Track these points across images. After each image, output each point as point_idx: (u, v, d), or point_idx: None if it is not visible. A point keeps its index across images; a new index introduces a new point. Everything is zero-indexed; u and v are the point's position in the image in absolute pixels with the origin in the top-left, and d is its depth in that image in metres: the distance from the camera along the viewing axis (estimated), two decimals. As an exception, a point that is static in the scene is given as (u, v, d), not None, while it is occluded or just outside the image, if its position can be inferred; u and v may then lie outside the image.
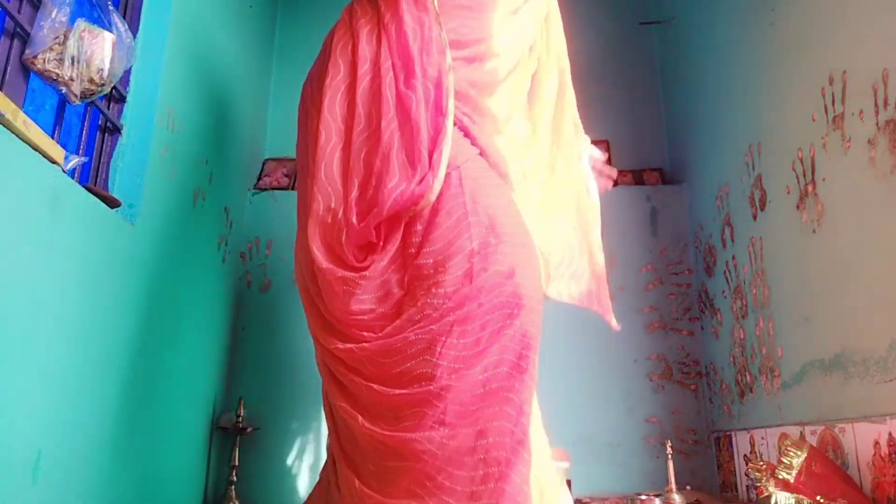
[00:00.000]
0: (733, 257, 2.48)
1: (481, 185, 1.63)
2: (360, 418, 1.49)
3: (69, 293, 1.55)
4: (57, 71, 1.58)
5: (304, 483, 2.69)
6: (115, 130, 1.92)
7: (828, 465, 1.63)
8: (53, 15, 1.56)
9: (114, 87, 1.85)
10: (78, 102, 1.66)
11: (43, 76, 1.57)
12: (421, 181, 1.55)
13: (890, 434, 1.55)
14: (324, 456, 2.35)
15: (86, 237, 1.62)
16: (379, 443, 1.46)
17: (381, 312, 1.53)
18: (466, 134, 1.69)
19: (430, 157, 1.57)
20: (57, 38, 1.57)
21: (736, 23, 2.44)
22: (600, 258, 2.08)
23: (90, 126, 1.85)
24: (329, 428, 1.68)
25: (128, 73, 1.92)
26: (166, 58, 2.07)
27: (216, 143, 2.56)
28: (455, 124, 1.65)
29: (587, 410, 2.75)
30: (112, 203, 1.74)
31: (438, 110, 1.63)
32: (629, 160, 3.22)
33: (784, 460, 1.60)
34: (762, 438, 2.21)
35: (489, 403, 1.45)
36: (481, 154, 1.69)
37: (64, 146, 1.60)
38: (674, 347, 2.84)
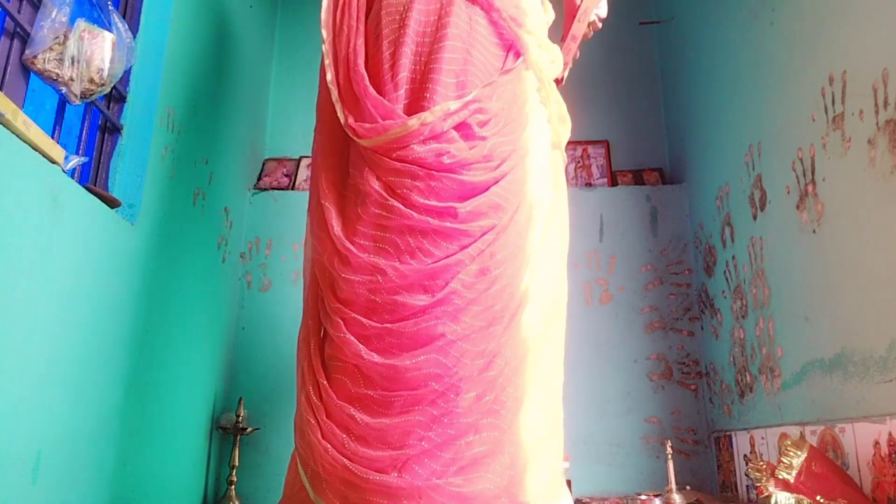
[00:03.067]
0: (733, 257, 2.48)
1: None
2: None
3: (69, 293, 1.55)
4: (57, 71, 1.58)
5: (304, 483, 2.68)
6: (115, 130, 1.92)
7: (828, 465, 1.63)
8: (53, 15, 1.56)
9: (114, 87, 1.85)
10: (78, 102, 1.66)
11: (43, 76, 1.57)
12: None
13: (890, 434, 1.55)
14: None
15: (86, 237, 1.62)
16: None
17: None
18: None
19: None
20: (57, 38, 1.57)
21: (736, 23, 2.44)
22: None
23: (90, 126, 1.85)
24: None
25: (128, 73, 1.92)
26: (166, 58, 2.07)
27: (216, 143, 2.56)
28: None
29: (587, 410, 2.75)
30: (112, 203, 1.74)
31: None
32: (629, 160, 3.22)
33: (784, 460, 1.60)
34: (762, 438, 2.21)
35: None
36: None
37: (64, 146, 1.60)
38: (674, 347, 2.84)
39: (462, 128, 1.58)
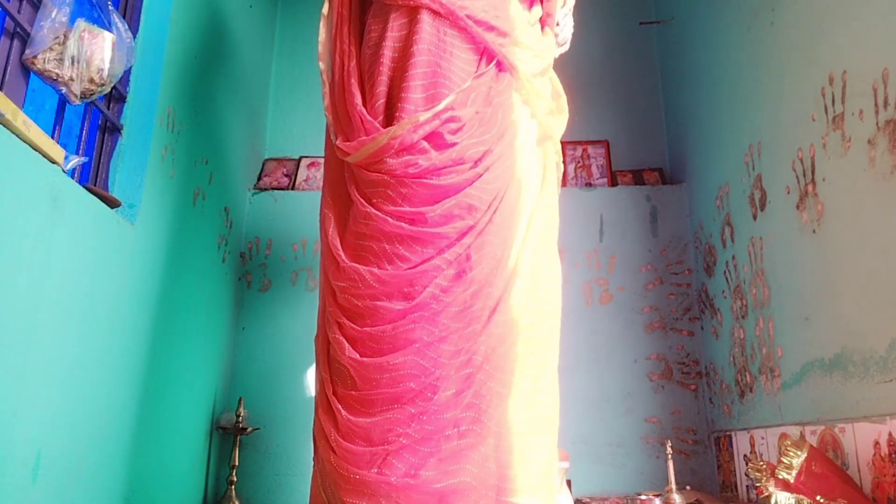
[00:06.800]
0: (733, 257, 2.48)
1: None
2: None
3: (69, 293, 1.55)
4: (57, 71, 1.58)
5: (304, 483, 2.68)
6: (115, 130, 1.92)
7: (828, 465, 1.63)
8: (53, 15, 1.56)
9: (114, 87, 1.85)
10: (78, 102, 1.66)
11: (43, 76, 1.57)
12: None
13: (890, 434, 1.55)
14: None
15: (86, 237, 1.62)
16: None
17: None
18: None
19: None
20: (57, 38, 1.57)
21: (736, 23, 2.44)
22: None
23: (90, 126, 1.85)
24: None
25: (128, 73, 1.92)
26: (166, 58, 2.07)
27: (216, 143, 2.56)
28: None
29: (587, 411, 2.75)
30: (112, 203, 1.74)
31: None
32: (629, 160, 3.22)
33: (784, 460, 1.60)
34: (762, 438, 2.21)
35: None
36: None
37: (64, 146, 1.60)
38: (674, 347, 2.84)
39: (433, 137, 1.63)
